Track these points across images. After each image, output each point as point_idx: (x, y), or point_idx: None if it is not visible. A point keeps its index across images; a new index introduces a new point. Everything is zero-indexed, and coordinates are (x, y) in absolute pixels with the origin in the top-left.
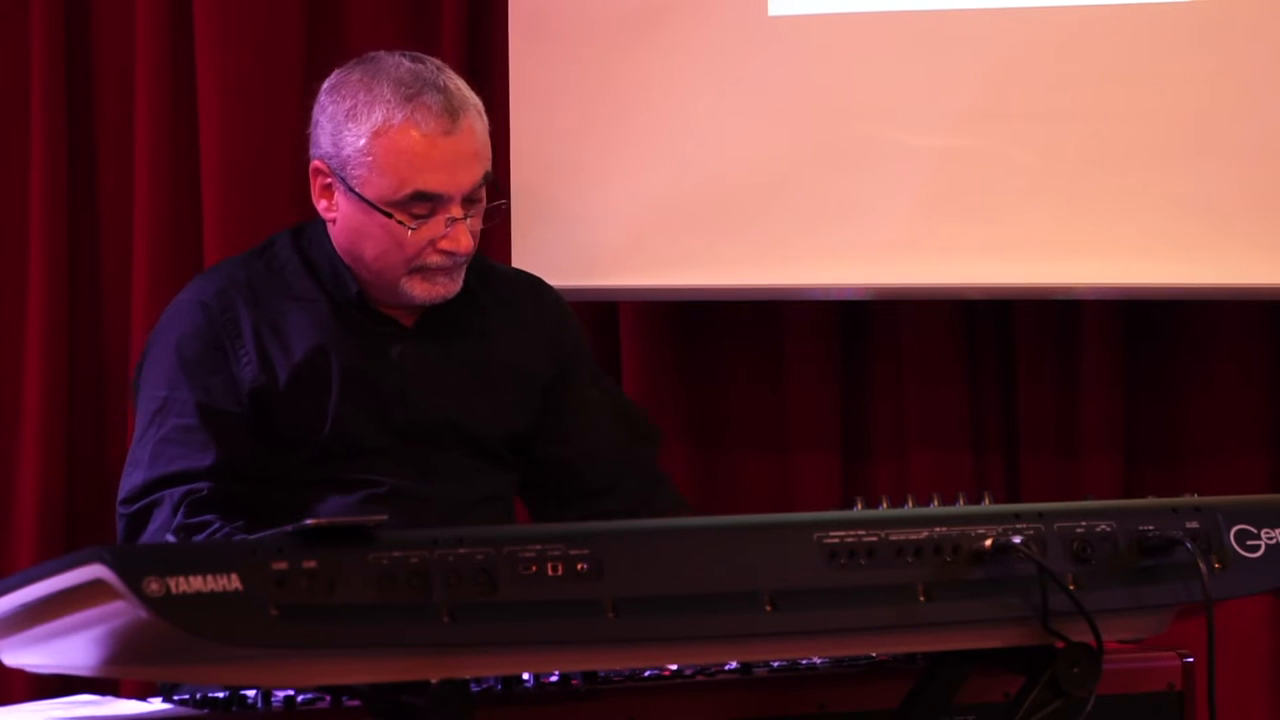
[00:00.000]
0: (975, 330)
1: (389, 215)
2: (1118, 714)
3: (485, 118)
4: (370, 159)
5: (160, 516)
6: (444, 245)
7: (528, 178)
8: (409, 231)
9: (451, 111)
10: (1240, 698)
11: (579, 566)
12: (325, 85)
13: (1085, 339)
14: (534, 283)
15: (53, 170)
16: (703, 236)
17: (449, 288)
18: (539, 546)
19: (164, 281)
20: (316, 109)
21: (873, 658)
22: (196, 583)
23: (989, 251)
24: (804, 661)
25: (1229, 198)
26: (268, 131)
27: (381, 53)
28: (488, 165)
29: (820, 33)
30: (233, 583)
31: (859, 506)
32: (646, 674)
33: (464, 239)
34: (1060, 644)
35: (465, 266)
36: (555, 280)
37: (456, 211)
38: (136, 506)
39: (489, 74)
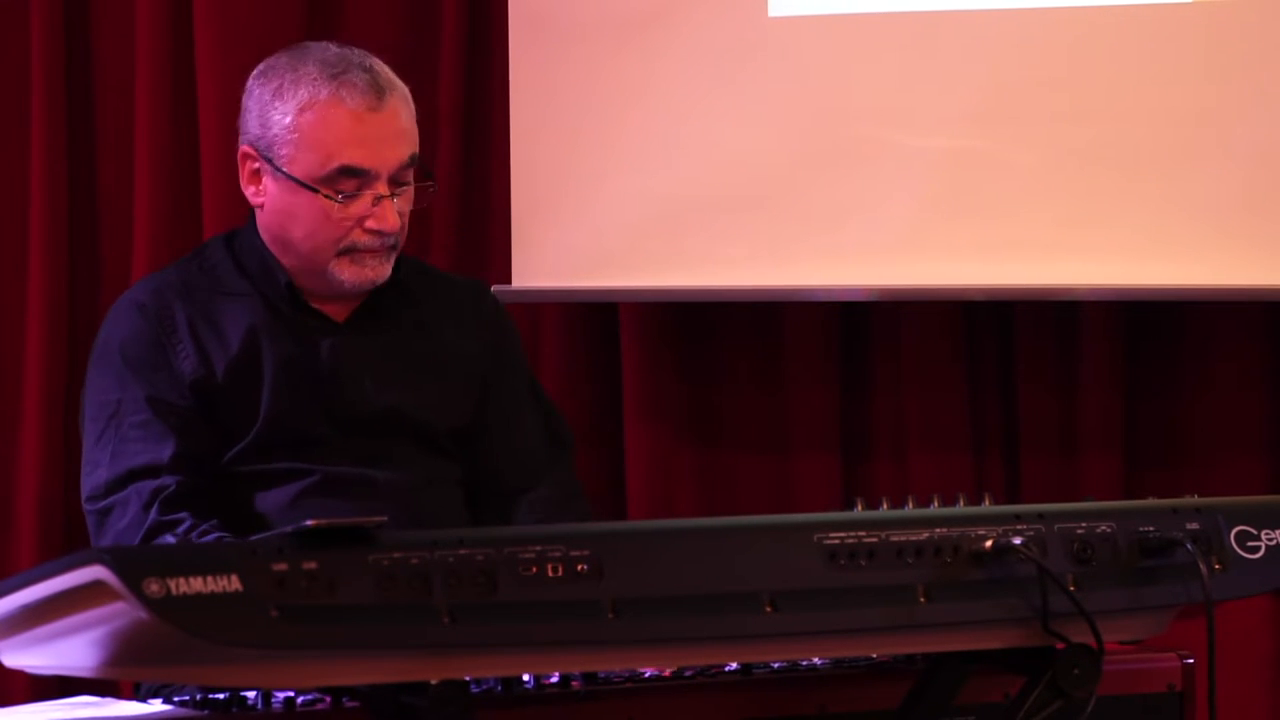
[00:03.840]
0: (975, 331)
1: (316, 191)
2: (1118, 715)
3: (412, 104)
4: (297, 135)
5: (130, 512)
6: (371, 224)
7: (527, 178)
8: (336, 207)
9: (377, 89)
10: (1240, 699)
11: (579, 567)
12: (253, 73)
13: (1085, 339)
14: (475, 285)
15: (53, 169)
16: (703, 237)
17: (378, 271)
18: (539, 547)
19: None
20: (245, 96)
21: (873, 659)
22: (197, 584)
23: (989, 252)
24: (804, 663)
25: (1229, 198)
26: None
27: (309, 41)
28: (415, 148)
29: (820, 33)
30: (233, 584)
31: (859, 507)
32: (646, 675)
33: (390, 217)
34: (1060, 645)
35: (395, 253)
36: (555, 281)
37: (383, 189)
38: (104, 503)
39: (489, 74)
